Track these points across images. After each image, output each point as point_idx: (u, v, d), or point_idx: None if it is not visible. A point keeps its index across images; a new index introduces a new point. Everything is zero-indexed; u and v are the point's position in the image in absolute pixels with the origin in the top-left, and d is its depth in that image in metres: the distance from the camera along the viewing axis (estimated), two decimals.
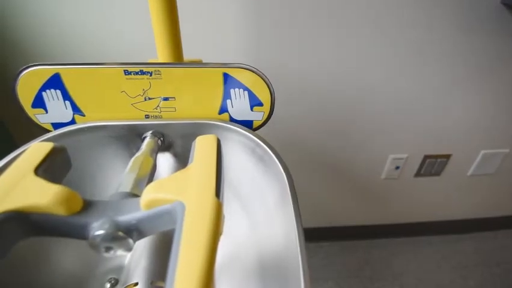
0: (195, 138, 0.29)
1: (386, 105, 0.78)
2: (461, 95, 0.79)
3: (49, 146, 0.21)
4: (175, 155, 0.31)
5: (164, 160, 0.31)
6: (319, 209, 1.02)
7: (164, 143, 0.30)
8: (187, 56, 0.39)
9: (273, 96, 0.29)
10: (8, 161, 0.25)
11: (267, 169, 0.27)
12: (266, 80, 0.28)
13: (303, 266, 0.19)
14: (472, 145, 0.91)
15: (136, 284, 0.25)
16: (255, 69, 0.27)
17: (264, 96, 0.29)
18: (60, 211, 0.18)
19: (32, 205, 0.17)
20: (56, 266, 0.26)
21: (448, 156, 0.93)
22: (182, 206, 0.16)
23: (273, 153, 0.26)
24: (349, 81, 0.72)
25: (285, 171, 0.25)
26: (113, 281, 0.27)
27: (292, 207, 0.22)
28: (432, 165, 0.94)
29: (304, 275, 0.19)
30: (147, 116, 0.29)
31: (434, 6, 0.63)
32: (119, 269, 0.28)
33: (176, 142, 0.31)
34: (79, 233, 0.18)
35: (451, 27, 0.66)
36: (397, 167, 0.92)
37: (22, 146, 0.26)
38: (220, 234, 0.15)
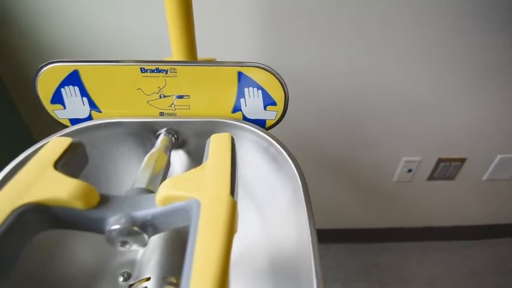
0: (208, 136, 0.30)
1: (399, 106, 0.76)
2: (479, 96, 0.76)
3: (68, 141, 0.22)
4: (188, 153, 0.32)
5: (178, 157, 0.32)
6: (328, 210, 1.01)
7: (178, 141, 0.30)
8: (200, 54, 0.39)
9: (287, 95, 0.29)
10: (28, 155, 0.25)
11: (280, 169, 0.27)
12: (281, 79, 0.28)
13: (315, 268, 0.19)
14: (488, 149, 0.89)
15: (148, 278, 0.26)
16: (269, 69, 0.27)
17: (277, 95, 0.29)
18: (78, 205, 0.18)
19: (51, 198, 0.17)
20: (72, 258, 0.27)
21: (462, 160, 0.91)
22: (198, 204, 0.16)
23: (286, 153, 0.26)
24: (362, 82, 0.71)
25: (298, 172, 0.25)
26: (126, 275, 0.27)
27: (305, 209, 0.22)
28: (447, 169, 0.92)
29: (317, 276, 0.19)
30: (162, 114, 0.30)
31: (451, 5, 0.62)
32: (132, 263, 0.28)
33: (189, 140, 0.31)
34: (95, 227, 0.19)
35: (469, 27, 0.65)
36: (409, 170, 0.90)
37: (41, 141, 0.27)
38: (235, 232, 0.15)
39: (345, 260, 1.09)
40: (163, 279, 0.26)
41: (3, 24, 0.57)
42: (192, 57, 0.37)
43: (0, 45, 0.59)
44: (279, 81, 0.28)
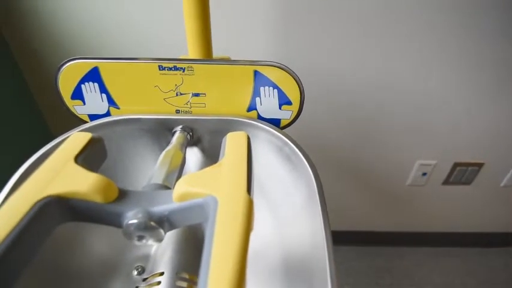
0: (222, 134, 0.30)
1: (414, 107, 0.75)
2: (499, 98, 0.74)
3: (88, 136, 0.22)
4: (203, 150, 0.32)
5: (192, 154, 0.32)
6: (338, 211, 1.00)
7: (193, 138, 0.31)
8: (214, 52, 0.39)
9: (302, 95, 0.29)
10: (49, 149, 0.26)
11: (294, 168, 0.27)
12: (297, 79, 0.28)
13: (330, 270, 0.19)
14: (507, 154, 0.86)
15: (162, 273, 0.26)
16: (286, 68, 0.27)
17: (293, 95, 0.29)
18: (97, 199, 0.18)
19: (72, 191, 0.18)
20: (89, 250, 0.27)
21: (480, 165, 0.88)
22: (215, 201, 0.16)
23: (301, 152, 0.26)
24: (377, 83, 0.70)
25: (313, 172, 0.25)
26: (140, 269, 0.27)
27: (320, 209, 0.22)
28: (463, 173, 0.89)
29: (331, 278, 0.19)
30: (178, 111, 0.30)
31: (470, 3, 0.60)
32: (146, 257, 0.29)
33: (204, 137, 0.31)
34: (113, 220, 0.19)
35: (489, 27, 0.63)
36: (424, 174, 0.88)
37: (61, 135, 0.27)
38: (251, 230, 0.15)
39: (354, 263, 1.07)
40: (176, 274, 0.26)
41: (24, 23, 0.58)
42: (207, 55, 0.37)
43: (22, 44, 0.61)
44: (296, 81, 0.28)
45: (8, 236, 0.15)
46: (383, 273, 1.05)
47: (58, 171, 0.19)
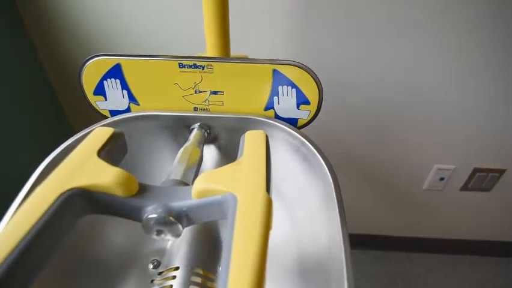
0: (240, 132, 0.30)
1: (434, 110, 0.73)
2: None
3: (110, 131, 0.23)
4: (219, 148, 0.32)
5: (209, 152, 0.32)
6: (351, 214, 0.98)
7: (210, 136, 0.31)
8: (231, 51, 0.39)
9: (321, 95, 0.29)
10: (72, 142, 0.27)
11: (311, 169, 0.27)
12: (316, 79, 0.28)
13: (347, 272, 0.19)
14: None
15: (177, 268, 0.26)
16: (306, 67, 0.27)
17: (312, 95, 0.29)
18: (119, 192, 0.19)
19: (95, 184, 0.18)
20: (107, 243, 0.28)
21: (501, 171, 0.85)
22: (234, 199, 0.17)
23: (319, 153, 0.26)
24: (396, 85, 0.68)
25: (330, 173, 0.24)
26: (155, 263, 0.28)
27: (337, 211, 0.22)
28: (482, 179, 0.86)
29: (349, 280, 0.18)
30: (196, 109, 0.30)
31: (497, 4, 0.57)
32: (162, 252, 0.29)
33: (221, 135, 0.31)
34: (133, 214, 0.19)
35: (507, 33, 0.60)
36: (442, 178, 0.85)
37: (83, 130, 0.28)
38: (271, 229, 0.15)
39: (366, 267, 1.06)
40: (191, 269, 0.26)
41: (48, 18, 0.60)
42: (225, 53, 0.38)
43: (44, 39, 0.63)
44: (315, 81, 0.28)
45: (33, 226, 0.16)
46: (395, 278, 1.03)
47: (82, 164, 0.20)
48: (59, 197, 0.17)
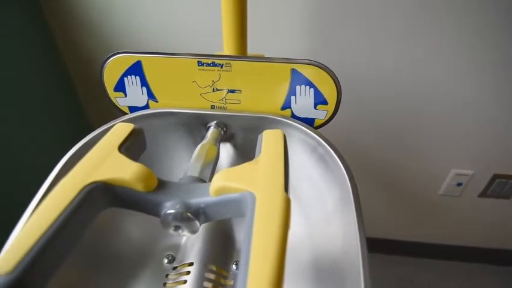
0: (256, 131, 0.30)
1: (452, 112, 0.70)
2: None
3: (130, 126, 0.23)
4: (235, 146, 0.32)
5: (224, 150, 0.32)
6: (364, 217, 0.97)
7: (226, 134, 0.31)
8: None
9: (339, 95, 0.28)
10: (93, 137, 0.27)
11: (328, 169, 0.26)
12: (335, 79, 0.27)
13: (364, 276, 0.18)
14: None
15: (191, 264, 0.27)
16: (325, 67, 0.27)
17: (330, 95, 0.28)
18: (139, 187, 0.19)
19: (116, 178, 0.19)
20: (124, 237, 0.29)
21: None
22: (253, 197, 0.17)
23: (336, 154, 0.26)
24: (413, 86, 0.67)
25: (348, 174, 0.24)
26: (170, 258, 0.28)
27: (355, 213, 0.21)
28: (503, 186, 0.83)
29: (365, 283, 0.18)
30: (213, 107, 0.31)
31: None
32: (177, 247, 0.29)
33: (237, 134, 0.31)
34: (152, 209, 0.20)
35: None
36: (459, 184, 0.83)
37: (103, 125, 0.29)
38: (289, 229, 0.15)
39: (376, 271, 1.03)
40: (205, 266, 0.27)
41: (71, 16, 0.62)
42: (242, 52, 0.38)
43: (66, 36, 0.65)
44: (334, 81, 0.27)
45: (58, 218, 0.16)
46: (405, 283, 1.01)
47: (104, 159, 0.20)
48: (82, 189, 0.18)
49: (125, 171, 0.19)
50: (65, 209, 0.17)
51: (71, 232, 0.17)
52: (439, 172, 0.82)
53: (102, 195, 0.19)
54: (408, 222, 0.98)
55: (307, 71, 0.27)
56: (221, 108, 0.31)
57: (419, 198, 0.90)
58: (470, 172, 0.81)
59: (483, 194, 0.86)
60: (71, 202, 0.17)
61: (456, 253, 1.04)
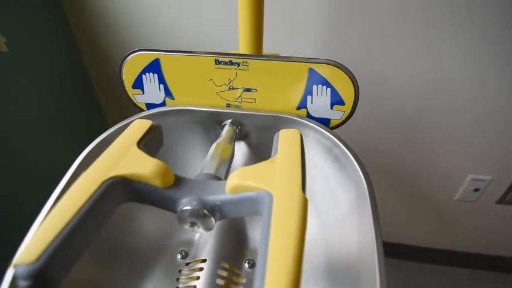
0: (270, 130, 0.30)
1: (471, 116, 0.68)
2: None
3: (149, 123, 0.24)
4: (249, 145, 0.32)
5: (239, 148, 0.32)
6: None
7: (240, 132, 0.31)
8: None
9: (357, 96, 0.28)
10: (112, 132, 0.28)
11: (343, 170, 0.26)
12: (354, 79, 0.27)
13: (380, 277, 0.18)
14: None
15: (204, 260, 0.27)
16: (343, 67, 0.26)
17: (347, 95, 0.28)
18: (157, 183, 0.19)
19: (135, 174, 0.19)
20: (139, 232, 0.29)
21: None
22: (270, 196, 0.17)
23: (352, 155, 0.25)
24: (429, 87, 0.65)
25: (364, 175, 0.24)
26: (183, 253, 0.29)
27: (371, 215, 0.21)
28: None
29: (381, 286, 0.18)
30: (228, 105, 0.31)
31: None
32: (190, 243, 0.30)
33: (252, 132, 0.31)
34: (169, 205, 0.20)
35: None
36: (476, 189, 0.81)
37: (122, 121, 0.29)
38: (306, 229, 0.15)
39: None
40: (218, 263, 0.27)
41: (91, 15, 0.63)
42: (258, 51, 0.38)
43: (88, 40, 0.66)
44: (352, 81, 0.27)
45: (79, 210, 0.17)
46: None
47: (123, 154, 0.20)
48: (102, 184, 0.18)
49: (143, 167, 0.19)
50: (85, 203, 0.17)
51: (91, 225, 0.17)
52: (456, 177, 0.80)
53: (121, 190, 0.19)
54: (422, 226, 0.96)
55: (324, 71, 0.27)
56: (236, 106, 0.31)
57: (433, 202, 0.88)
58: (488, 177, 0.78)
59: (501, 201, 0.83)
60: (92, 196, 0.17)
61: (470, 260, 1.02)
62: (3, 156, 0.50)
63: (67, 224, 0.16)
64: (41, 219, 0.22)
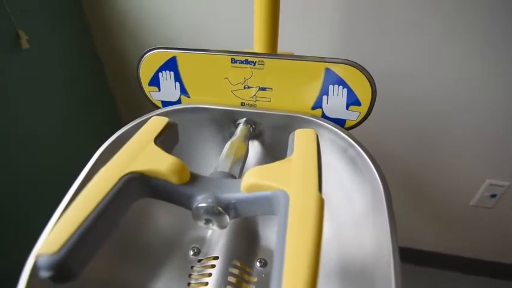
0: (285, 130, 0.30)
1: (489, 120, 0.66)
2: None
3: (165, 120, 0.24)
4: (263, 144, 0.32)
5: (252, 147, 0.33)
6: None
7: (254, 131, 0.31)
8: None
9: (374, 96, 0.28)
10: (129, 128, 0.28)
11: (358, 172, 0.26)
12: (371, 80, 0.26)
13: (396, 282, 0.18)
14: None
15: (216, 257, 0.27)
16: (361, 67, 0.26)
17: (364, 96, 0.28)
18: (173, 179, 0.20)
19: (153, 170, 0.19)
20: (152, 228, 0.30)
21: None
22: (286, 196, 0.16)
23: (368, 156, 0.25)
24: (446, 89, 0.64)
25: (380, 177, 0.23)
26: (196, 250, 0.29)
27: (387, 217, 0.21)
28: None
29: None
30: (243, 104, 0.31)
31: None
32: (202, 240, 0.30)
33: (266, 131, 0.31)
34: (184, 201, 0.20)
35: None
36: (493, 195, 0.78)
37: (138, 118, 0.30)
38: (323, 230, 0.15)
39: None
40: (230, 261, 0.27)
41: (110, 22, 0.65)
42: (273, 50, 0.38)
43: (105, 38, 0.68)
44: (369, 82, 0.26)
45: (98, 204, 0.17)
46: None
47: (140, 150, 0.21)
48: (120, 179, 0.19)
49: (161, 163, 0.20)
50: (105, 197, 0.17)
51: (109, 219, 0.18)
52: (472, 182, 0.78)
53: (138, 185, 0.20)
54: (435, 232, 0.94)
55: (341, 71, 0.27)
56: (251, 105, 0.31)
57: (448, 207, 0.86)
58: (506, 183, 0.76)
59: None
60: (111, 190, 0.18)
61: (485, 268, 0.99)
62: (18, 153, 0.52)
63: (87, 217, 0.16)
64: (60, 212, 0.23)
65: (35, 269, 0.20)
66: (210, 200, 0.19)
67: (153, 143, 0.21)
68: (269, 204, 0.18)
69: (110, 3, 0.63)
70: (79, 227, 0.16)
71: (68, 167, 0.61)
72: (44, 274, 0.14)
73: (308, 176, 0.18)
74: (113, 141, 0.28)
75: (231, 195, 0.19)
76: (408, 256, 1.01)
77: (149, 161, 0.20)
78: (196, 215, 0.20)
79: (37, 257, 0.14)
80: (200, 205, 0.19)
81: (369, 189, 0.24)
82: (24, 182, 0.54)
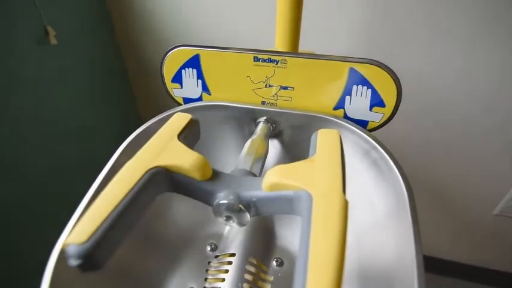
0: (305, 130, 0.30)
1: None
2: None
3: (188, 117, 0.24)
4: (282, 143, 0.32)
5: (272, 146, 0.32)
6: None
7: (274, 130, 0.31)
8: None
9: (399, 98, 0.27)
10: (151, 124, 0.29)
11: (381, 175, 0.25)
12: (397, 80, 0.26)
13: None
14: None
15: (233, 254, 0.27)
16: (387, 68, 0.26)
17: (389, 97, 0.27)
18: (195, 175, 0.20)
19: (176, 165, 0.20)
20: (171, 222, 0.30)
21: None
22: (309, 197, 0.16)
23: (392, 159, 0.24)
24: (470, 93, 0.61)
25: (404, 181, 0.23)
26: (213, 246, 0.29)
27: (411, 223, 0.20)
28: None
29: None
30: (263, 102, 0.31)
31: None
32: (219, 236, 0.30)
33: (285, 131, 0.31)
34: (206, 198, 0.20)
35: None
36: None
37: (161, 114, 0.30)
38: (347, 232, 0.15)
39: None
40: (246, 258, 0.27)
41: (133, 20, 0.66)
42: (294, 49, 0.37)
43: (128, 38, 0.69)
44: (395, 82, 0.26)
45: (125, 197, 0.17)
46: None
47: (165, 145, 0.21)
48: (146, 173, 0.19)
49: (184, 159, 0.20)
50: (131, 190, 0.18)
51: (135, 211, 0.18)
52: (497, 190, 0.75)
53: (162, 180, 0.20)
54: (455, 241, 0.91)
55: (366, 71, 0.26)
56: (271, 104, 0.31)
57: (468, 215, 0.83)
58: None
59: None
60: (136, 184, 0.18)
61: (505, 279, 0.94)
62: (42, 149, 0.54)
63: (114, 209, 0.17)
64: (85, 203, 0.23)
65: (61, 256, 0.21)
66: (231, 197, 0.19)
67: (177, 139, 0.22)
68: (290, 204, 0.18)
69: (133, 3, 0.65)
70: (106, 219, 0.16)
71: (92, 160, 0.63)
72: (73, 262, 0.15)
73: (332, 177, 0.17)
74: (136, 136, 0.29)
75: (252, 193, 0.19)
76: (427, 265, 0.98)
77: (173, 157, 0.20)
78: (217, 211, 0.20)
79: (66, 246, 0.15)
80: (221, 202, 0.19)
81: (392, 194, 0.23)
82: (56, 172, 0.56)
